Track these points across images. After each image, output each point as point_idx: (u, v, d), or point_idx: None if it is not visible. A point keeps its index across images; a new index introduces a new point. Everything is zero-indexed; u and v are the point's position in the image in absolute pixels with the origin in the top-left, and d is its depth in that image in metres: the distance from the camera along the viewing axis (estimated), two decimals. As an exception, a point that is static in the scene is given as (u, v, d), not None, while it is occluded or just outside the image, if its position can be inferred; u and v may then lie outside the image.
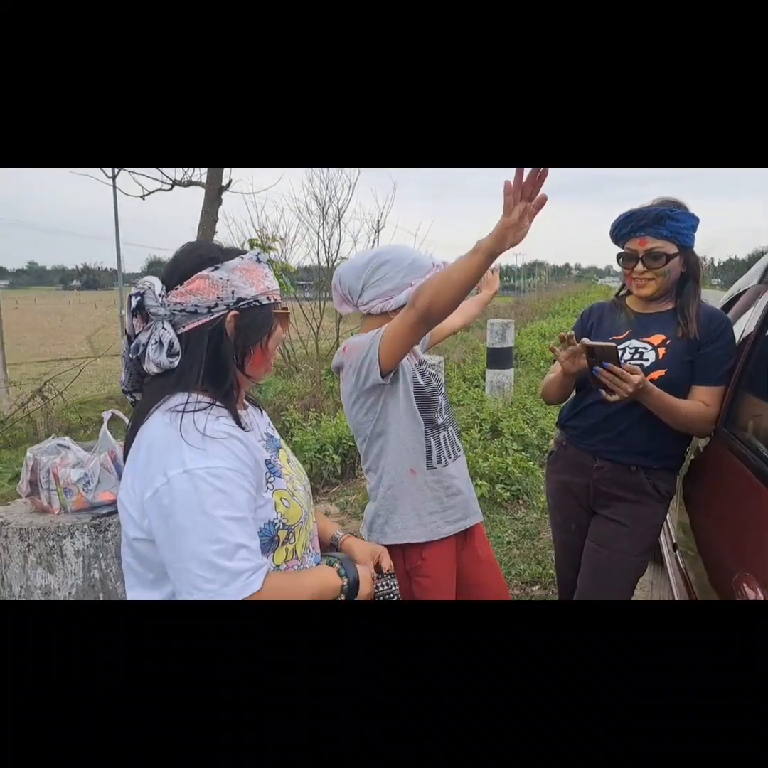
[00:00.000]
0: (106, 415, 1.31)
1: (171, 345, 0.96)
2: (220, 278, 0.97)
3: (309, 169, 11.01)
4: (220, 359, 0.99)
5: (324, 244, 11.23)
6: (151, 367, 0.97)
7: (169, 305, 0.97)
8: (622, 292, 1.82)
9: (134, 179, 5.87)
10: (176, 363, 0.97)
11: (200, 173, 5.17)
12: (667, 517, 2.05)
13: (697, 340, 1.62)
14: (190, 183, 5.23)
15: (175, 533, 0.89)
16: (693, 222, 1.61)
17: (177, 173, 5.62)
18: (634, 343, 1.68)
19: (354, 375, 1.51)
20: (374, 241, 12.18)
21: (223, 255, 1.01)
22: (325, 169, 12.95)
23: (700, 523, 1.65)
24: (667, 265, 1.61)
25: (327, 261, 11.33)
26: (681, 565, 1.86)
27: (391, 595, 1.24)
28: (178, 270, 0.99)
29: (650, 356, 1.64)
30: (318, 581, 1.07)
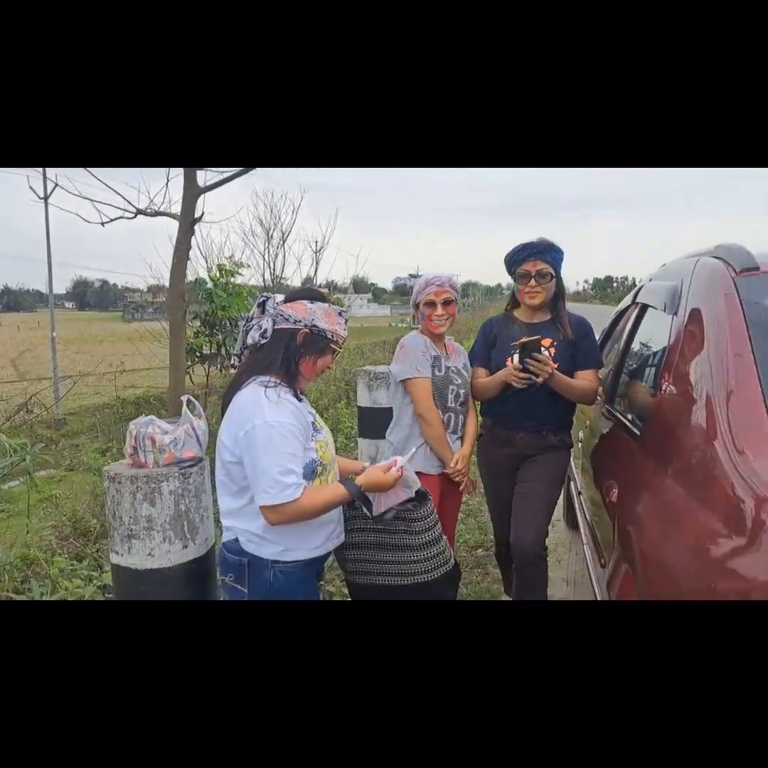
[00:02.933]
0: (184, 399, 1.84)
1: (265, 331, 1.58)
2: (310, 308, 1.59)
3: (254, 195, 11.32)
4: (288, 353, 1.59)
5: (269, 266, 11.61)
6: (249, 340, 1.60)
7: (277, 309, 1.59)
8: (509, 307, 2.54)
9: (95, 207, 5.50)
10: (262, 343, 1.58)
11: (169, 203, 5.21)
12: (576, 473, 2.74)
13: (572, 339, 2.35)
14: (157, 213, 5.26)
15: (258, 459, 1.46)
16: (562, 256, 2.36)
17: (140, 202, 5.42)
18: None
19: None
20: (317, 263, 12.63)
21: (321, 299, 1.64)
22: (269, 195, 13.22)
23: (593, 464, 2.35)
24: (551, 282, 2.33)
25: (272, 281, 11.71)
26: (583, 501, 2.56)
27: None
28: (294, 295, 1.64)
29: (546, 354, 2.30)
30: (331, 489, 1.58)
